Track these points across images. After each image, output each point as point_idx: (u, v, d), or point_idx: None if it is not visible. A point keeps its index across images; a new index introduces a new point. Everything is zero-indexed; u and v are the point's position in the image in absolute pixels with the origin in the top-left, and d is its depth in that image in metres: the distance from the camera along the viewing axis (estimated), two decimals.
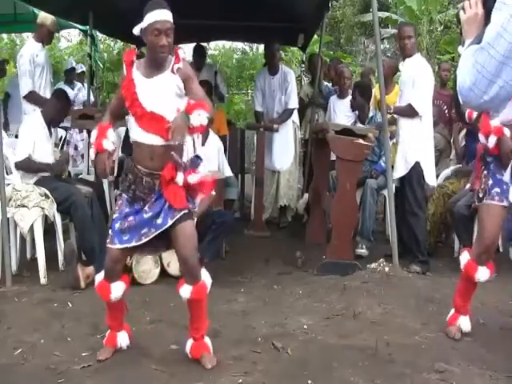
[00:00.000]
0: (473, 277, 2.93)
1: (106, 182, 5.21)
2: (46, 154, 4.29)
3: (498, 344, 2.91)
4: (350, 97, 5.64)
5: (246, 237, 5.52)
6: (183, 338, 2.76)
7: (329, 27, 14.52)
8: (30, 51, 5.49)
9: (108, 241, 2.59)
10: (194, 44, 6.66)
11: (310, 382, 2.48)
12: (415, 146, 4.36)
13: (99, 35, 8.43)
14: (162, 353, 2.78)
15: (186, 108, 2.43)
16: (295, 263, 4.57)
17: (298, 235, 5.42)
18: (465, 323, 3.03)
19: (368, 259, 4.45)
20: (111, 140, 2.65)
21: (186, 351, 2.69)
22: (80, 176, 5.67)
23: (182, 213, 2.52)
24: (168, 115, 2.50)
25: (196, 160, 2.61)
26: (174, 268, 3.96)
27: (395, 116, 4.59)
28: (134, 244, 2.55)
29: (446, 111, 5.88)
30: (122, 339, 2.76)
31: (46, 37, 5.61)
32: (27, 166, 4.19)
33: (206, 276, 2.66)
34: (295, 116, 6.05)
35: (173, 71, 2.52)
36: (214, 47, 15.00)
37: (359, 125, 5.18)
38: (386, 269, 3.93)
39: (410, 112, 4.36)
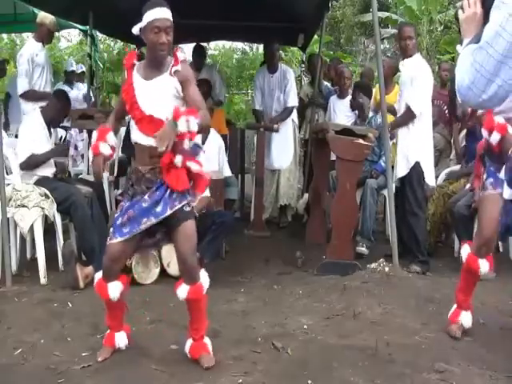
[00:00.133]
0: (474, 269, 2.94)
1: (106, 182, 5.22)
2: None
3: (498, 344, 2.91)
4: (349, 97, 5.65)
5: (246, 237, 5.52)
6: (183, 338, 2.76)
7: (329, 27, 14.51)
8: (29, 51, 5.50)
9: (108, 238, 2.60)
10: (193, 44, 6.65)
11: (310, 382, 2.48)
12: (415, 146, 4.36)
13: (99, 35, 8.44)
14: (162, 353, 2.78)
15: (173, 114, 2.41)
16: (295, 263, 4.57)
17: (298, 235, 5.42)
18: (466, 319, 3.03)
19: (368, 259, 4.44)
20: (110, 144, 2.64)
21: (186, 351, 2.69)
22: (80, 176, 5.66)
23: (182, 204, 2.51)
24: (167, 117, 2.50)
25: (195, 148, 2.60)
26: (173, 268, 3.96)
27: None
28: (133, 233, 2.54)
29: (446, 111, 5.88)
30: (121, 339, 2.76)
31: (45, 36, 5.62)
32: (32, 163, 4.18)
33: (204, 277, 2.65)
34: (294, 115, 6.06)
35: (171, 73, 2.52)
36: (214, 47, 15.02)
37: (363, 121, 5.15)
38: (386, 269, 3.93)
39: (408, 117, 4.37)
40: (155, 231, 2.65)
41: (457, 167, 5.28)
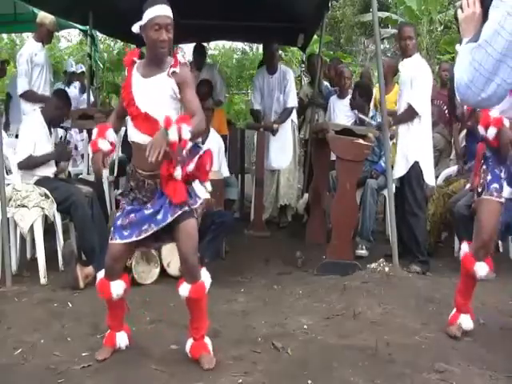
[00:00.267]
0: (470, 271, 2.93)
1: (106, 182, 5.22)
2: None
3: (498, 344, 2.91)
4: (349, 97, 5.65)
5: (246, 237, 5.52)
6: (183, 337, 2.76)
7: (329, 27, 14.51)
8: (29, 51, 5.50)
9: (110, 237, 2.61)
10: (193, 44, 6.66)
11: (310, 382, 2.48)
12: (414, 146, 4.36)
13: (99, 35, 8.44)
14: (162, 353, 2.78)
15: (164, 123, 2.37)
16: (295, 263, 4.57)
17: (298, 235, 5.42)
18: (466, 322, 3.02)
19: (368, 259, 4.45)
20: (109, 140, 2.64)
21: (186, 351, 2.69)
22: (80, 176, 5.67)
23: (183, 210, 2.52)
24: (161, 118, 2.49)
25: (195, 149, 2.59)
26: (173, 268, 3.96)
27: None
28: (134, 239, 2.55)
29: (446, 111, 5.88)
30: (121, 339, 2.76)
31: (45, 36, 5.62)
32: (31, 164, 4.18)
33: (205, 276, 2.66)
34: (294, 115, 6.05)
35: (169, 74, 2.51)
36: (214, 47, 15.02)
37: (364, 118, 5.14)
38: (386, 269, 3.93)
39: (410, 114, 4.36)
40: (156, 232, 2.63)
41: (454, 168, 5.28)
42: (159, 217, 2.52)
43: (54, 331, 3.03)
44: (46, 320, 3.18)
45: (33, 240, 4.15)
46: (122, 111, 2.78)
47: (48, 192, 4.10)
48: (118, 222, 2.58)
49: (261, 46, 8.01)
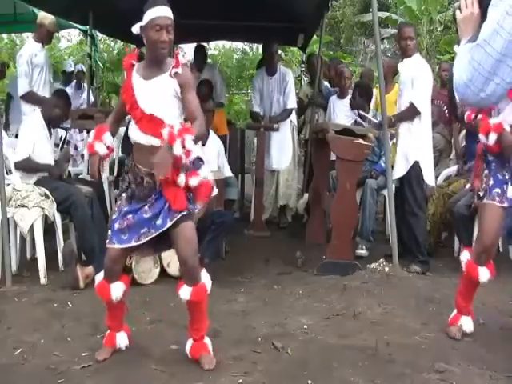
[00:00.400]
0: (473, 277, 2.93)
1: (106, 182, 5.22)
2: (45, 154, 4.29)
3: (497, 344, 2.91)
4: (349, 97, 5.64)
5: (246, 237, 5.52)
6: (183, 337, 2.76)
7: (329, 27, 14.51)
8: (28, 51, 5.49)
9: (108, 241, 2.59)
10: (194, 44, 6.66)
11: (310, 382, 2.48)
12: (415, 146, 4.36)
13: (99, 35, 8.44)
14: (162, 353, 2.78)
15: (168, 139, 2.38)
16: (295, 263, 4.57)
17: (298, 235, 5.42)
18: (467, 323, 3.02)
19: (368, 259, 4.45)
20: (106, 143, 2.64)
21: (186, 351, 2.69)
22: (80, 176, 5.67)
23: (181, 214, 2.51)
24: (167, 118, 2.50)
25: (197, 162, 2.60)
26: (173, 268, 3.96)
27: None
28: (133, 244, 2.55)
29: (446, 111, 5.88)
30: (121, 340, 2.76)
31: (45, 37, 5.61)
32: (27, 166, 4.19)
33: (205, 278, 2.65)
34: (293, 116, 6.06)
35: (171, 75, 2.52)
36: (214, 47, 15.03)
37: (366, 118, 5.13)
38: (386, 269, 3.93)
39: (411, 113, 4.35)
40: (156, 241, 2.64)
41: (454, 168, 5.29)
42: (158, 222, 2.51)
43: (54, 331, 3.03)
44: (46, 320, 3.18)
45: (33, 240, 4.15)
46: (120, 114, 2.78)
47: (48, 192, 4.10)
48: (116, 226, 2.56)
49: (261, 46, 8.01)
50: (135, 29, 2.54)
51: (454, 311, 3.08)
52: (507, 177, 2.86)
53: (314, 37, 8.18)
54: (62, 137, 5.68)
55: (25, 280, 3.95)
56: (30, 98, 5.39)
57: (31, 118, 4.49)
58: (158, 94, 2.52)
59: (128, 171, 2.63)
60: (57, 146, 5.02)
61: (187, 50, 9.71)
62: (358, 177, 4.44)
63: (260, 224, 5.71)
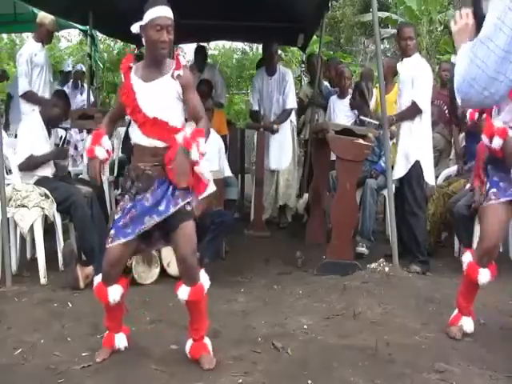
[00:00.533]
0: (474, 279, 2.93)
1: (106, 182, 5.22)
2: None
3: (497, 344, 2.91)
4: (349, 97, 5.65)
5: (246, 237, 5.52)
6: (183, 338, 2.76)
7: (329, 27, 14.51)
8: (28, 51, 5.50)
9: (109, 241, 2.56)
10: (194, 44, 6.65)
11: (309, 382, 2.48)
12: (416, 145, 4.36)
13: (99, 35, 8.44)
14: (162, 353, 2.78)
15: (184, 143, 2.42)
16: (295, 263, 4.57)
17: (298, 235, 5.42)
18: (468, 324, 3.02)
19: (368, 259, 4.44)
20: (105, 148, 2.63)
21: (186, 351, 2.69)
22: (80, 176, 5.67)
23: (185, 201, 2.50)
24: (171, 119, 2.51)
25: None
26: (173, 268, 3.96)
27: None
28: (137, 233, 2.52)
29: (446, 111, 5.88)
30: (120, 340, 2.75)
31: (45, 37, 5.61)
32: (32, 164, 4.18)
33: (204, 278, 2.65)
34: (293, 116, 6.06)
35: (173, 77, 2.51)
36: (214, 47, 15.03)
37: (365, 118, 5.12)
38: (386, 269, 3.93)
39: (413, 111, 4.34)
40: (152, 235, 2.63)
41: (454, 168, 5.28)
42: (161, 208, 2.50)
43: (54, 331, 3.03)
44: (46, 320, 3.18)
45: (33, 240, 4.15)
46: (117, 115, 2.78)
47: (48, 192, 4.10)
48: (120, 223, 2.54)
49: (261, 46, 8.01)
50: (135, 28, 2.53)
51: (455, 311, 3.08)
52: (504, 181, 2.84)
53: (314, 37, 8.18)
54: (61, 137, 5.68)
55: (25, 280, 3.95)
56: (30, 97, 5.39)
57: (30, 118, 4.49)
58: (161, 97, 2.52)
59: (130, 170, 2.62)
60: (57, 145, 5.01)
61: (187, 50, 9.73)
62: (357, 177, 4.44)
63: (260, 224, 5.71)
